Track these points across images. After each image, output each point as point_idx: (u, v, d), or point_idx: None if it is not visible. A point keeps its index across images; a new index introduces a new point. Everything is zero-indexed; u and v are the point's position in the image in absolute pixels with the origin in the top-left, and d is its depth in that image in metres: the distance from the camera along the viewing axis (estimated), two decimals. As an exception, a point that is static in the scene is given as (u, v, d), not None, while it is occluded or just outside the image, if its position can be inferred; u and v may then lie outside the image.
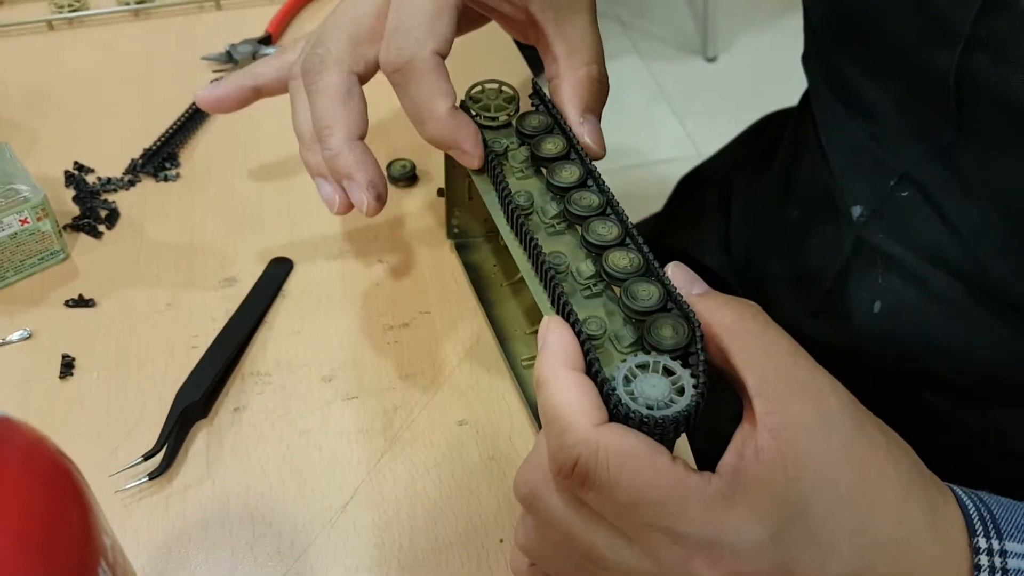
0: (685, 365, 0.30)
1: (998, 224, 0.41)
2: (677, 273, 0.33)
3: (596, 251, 0.35)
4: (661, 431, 0.29)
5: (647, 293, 0.33)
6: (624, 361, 0.30)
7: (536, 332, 0.40)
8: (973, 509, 0.29)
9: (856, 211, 0.48)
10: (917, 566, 0.28)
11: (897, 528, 0.28)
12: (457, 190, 0.48)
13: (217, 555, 0.39)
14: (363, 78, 0.42)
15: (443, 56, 0.39)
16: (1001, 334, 0.43)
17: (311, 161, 0.43)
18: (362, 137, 0.41)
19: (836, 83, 0.50)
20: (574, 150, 0.40)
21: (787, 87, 0.56)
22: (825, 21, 0.50)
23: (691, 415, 0.29)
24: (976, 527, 0.29)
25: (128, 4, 0.67)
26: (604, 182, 0.38)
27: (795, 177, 0.56)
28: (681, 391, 0.29)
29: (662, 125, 1.76)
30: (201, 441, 0.43)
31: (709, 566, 0.27)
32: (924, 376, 0.48)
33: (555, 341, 0.31)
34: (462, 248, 0.50)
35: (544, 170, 0.39)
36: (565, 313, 0.33)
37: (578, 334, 0.31)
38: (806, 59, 0.55)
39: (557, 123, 0.41)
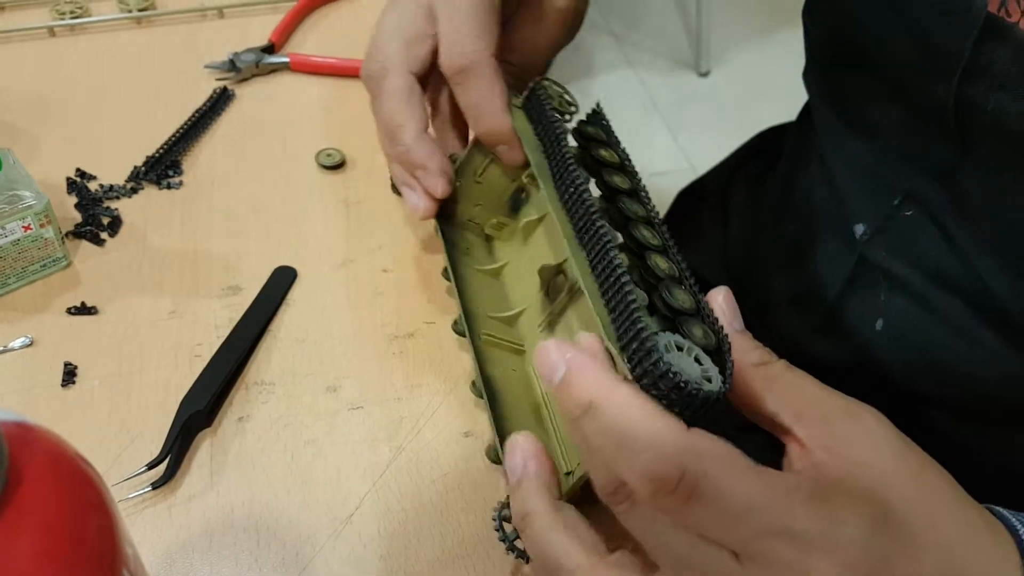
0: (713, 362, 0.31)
1: (1001, 245, 0.42)
2: (724, 300, 0.34)
3: (638, 249, 0.37)
4: (695, 408, 0.28)
5: (682, 298, 0.34)
6: (659, 335, 0.30)
7: (500, 318, 0.42)
8: (1020, 526, 0.30)
9: (859, 229, 0.48)
10: (984, 565, 0.28)
11: (962, 527, 0.28)
12: (470, 171, 0.48)
13: (221, 566, 0.39)
14: (420, 77, 0.44)
15: (497, 57, 0.42)
16: (1004, 354, 0.44)
17: (396, 172, 0.46)
18: (427, 129, 0.44)
19: (837, 102, 0.50)
20: (626, 168, 0.41)
21: (779, 101, 0.57)
22: (824, 44, 0.50)
23: (717, 401, 0.29)
24: None
25: (130, 11, 0.67)
26: (650, 200, 0.40)
27: (793, 192, 0.56)
28: (709, 379, 0.29)
29: (654, 138, 1.77)
30: (205, 451, 0.42)
31: (829, 561, 0.26)
32: (927, 394, 0.48)
33: (591, 353, 0.30)
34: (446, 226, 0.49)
35: (599, 173, 0.41)
36: (610, 260, 0.34)
37: (617, 274, 0.32)
38: (807, 76, 0.55)
39: (612, 141, 0.43)
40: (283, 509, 0.40)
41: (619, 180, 0.40)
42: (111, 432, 0.43)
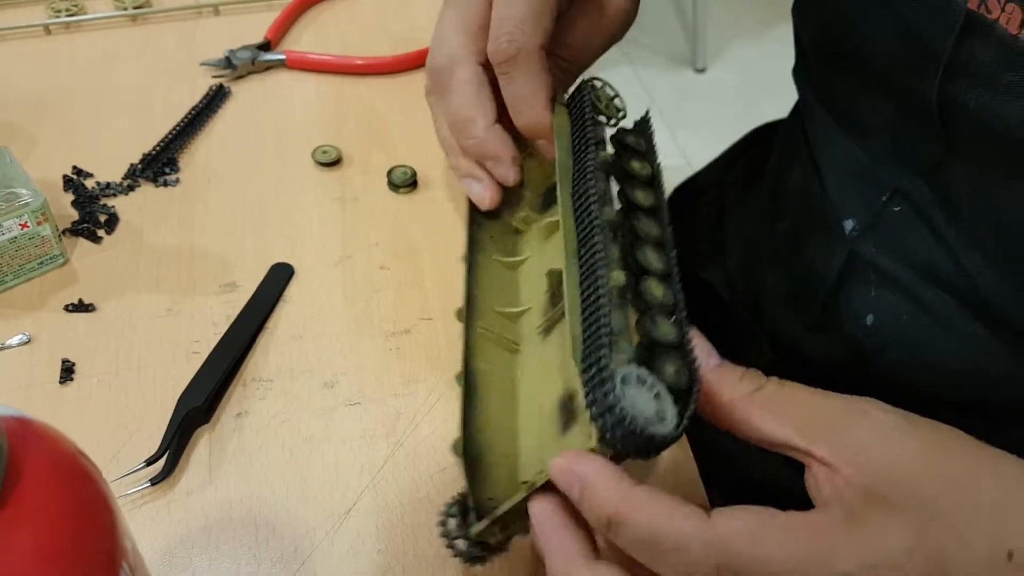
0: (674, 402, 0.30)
1: (989, 241, 0.42)
2: (697, 340, 0.33)
3: (636, 271, 0.35)
4: (639, 448, 0.28)
5: (666, 330, 0.32)
6: (626, 365, 0.30)
7: (505, 313, 0.41)
8: None
9: (848, 225, 0.48)
10: None
11: (997, 480, 0.28)
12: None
13: (220, 561, 0.39)
14: (487, 67, 0.43)
15: (546, 50, 0.41)
16: (994, 349, 0.44)
17: (460, 165, 0.45)
18: (498, 120, 0.43)
19: (827, 99, 0.50)
20: (656, 185, 0.40)
21: (777, 98, 0.57)
22: (813, 41, 0.51)
23: (663, 445, 0.29)
24: None
25: (126, 9, 0.67)
26: (669, 223, 0.38)
27: (785, 189, 0.57)
28: (662, 420, 0.29)
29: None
30: (203, 447, 0.43)
31: None
32: (918, 389, 0.49)
33: (595, 471, 0.29)
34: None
35: (625, 185, 0.40)
36: (595, 279, 0.33)
37: (597, 296, 0.32)
38: (796, 73, 0.55)
39: (651, 154, 0.42)
40: (281, 504, 0.41)
41: (641, 196, 0.39)
42: (109, 429, 0.43)
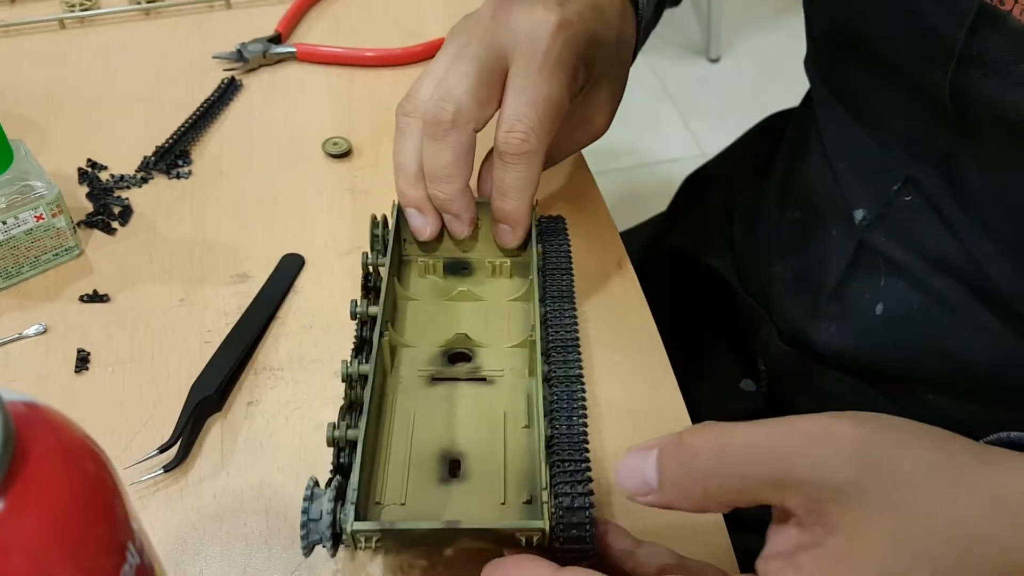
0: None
1: (1000, 230, 0.42)
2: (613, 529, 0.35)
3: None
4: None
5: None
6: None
7: (396, 338, 0.43)
8: None
9: (859, 214, 0.48)
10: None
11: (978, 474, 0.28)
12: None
13: (232, 547, 0.39)
14: (477, 131, 0.44)
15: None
16: (1002, 337, 0.44)
17: (411, 194, 0.45)
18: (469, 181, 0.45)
19: (838, 88, 0.50)
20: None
21: (791, 87, 0.57)
22: (824, 31, 0.50)
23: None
24: None
25: (139, 3, 0.68)
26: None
27: (796, 179, 0.57)
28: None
29: (666, 125, 1.76)
30: (215, 434, 0.43)
31: None
32: (927, 378, 0.49)
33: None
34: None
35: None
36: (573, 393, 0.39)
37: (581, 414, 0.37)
38: (808, 62, 0.55)
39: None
40: (292, 491, 0.41)
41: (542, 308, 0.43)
42: (124, 417, 0.44)
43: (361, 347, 0.43)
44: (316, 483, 0.35)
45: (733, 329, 0.61)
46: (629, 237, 0.71)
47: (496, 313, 0.46)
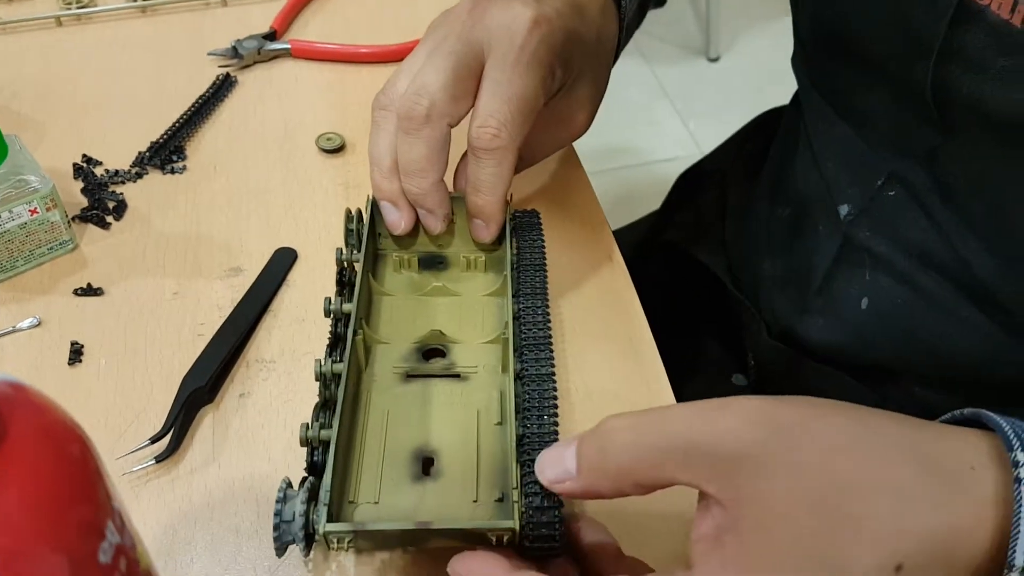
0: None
1: (983, 224, 0.42)
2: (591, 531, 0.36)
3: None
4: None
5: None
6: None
7: (369, 333, 0.43)
8: (1008, 427, 0.28)
9: (843, 210, 0.48)
10: (937, 511, 0.27)
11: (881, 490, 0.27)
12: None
13: (222, 537, 0.40)
14: (452, 127, 0.44)
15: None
16: (987, 331, 0.44)
17: (385, 188, 0.45)
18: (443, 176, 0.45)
19: (824, 86, 0.51)
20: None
21: (789, 87, 0.57)
22: (809, 31, 0.51)
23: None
24: (1013, 443, 0.28)
25: (135, 0, 0.68)
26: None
27: (786, 176, 0.57)
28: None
29: (664, 124, 1.76)
30: (207, 426, 0.44)
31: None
32: (913, 371, 0.49)
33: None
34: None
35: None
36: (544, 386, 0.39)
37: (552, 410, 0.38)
38: (795, 61, 0.56)
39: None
40: (282, 482, 0.41)
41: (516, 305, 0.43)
42: (117, 408, 0.44)
43: (336, 344, 0.43)
44: (289, 484, 0.35)
45: (724, 325, 0.62)
46: (624, 234, 0.71)
47: (470, 308, 0.46)
